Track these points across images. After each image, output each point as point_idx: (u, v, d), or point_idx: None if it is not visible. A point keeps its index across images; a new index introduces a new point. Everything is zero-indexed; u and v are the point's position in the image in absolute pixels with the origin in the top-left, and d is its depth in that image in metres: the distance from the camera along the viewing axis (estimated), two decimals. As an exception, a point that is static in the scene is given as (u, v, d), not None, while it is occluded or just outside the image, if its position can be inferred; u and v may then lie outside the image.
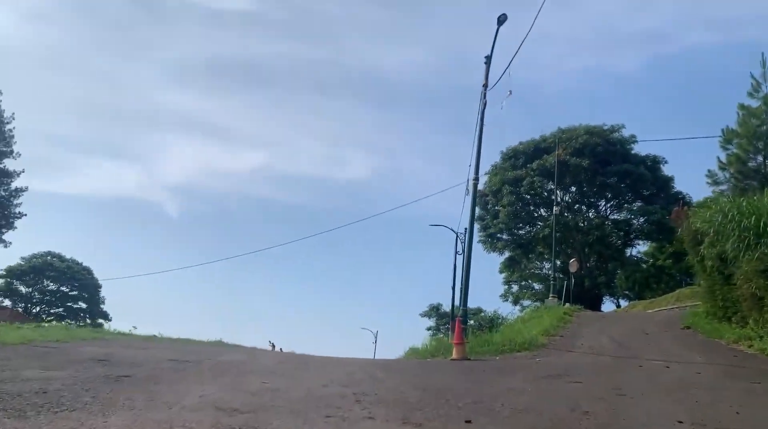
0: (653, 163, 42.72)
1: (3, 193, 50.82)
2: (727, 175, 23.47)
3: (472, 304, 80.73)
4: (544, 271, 49.92)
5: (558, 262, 45.61)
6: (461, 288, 13.73)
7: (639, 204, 40.16)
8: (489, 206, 46.92)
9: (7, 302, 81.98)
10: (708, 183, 24.56)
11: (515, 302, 51.02)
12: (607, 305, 47.48)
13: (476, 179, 16.81)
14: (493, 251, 47.00)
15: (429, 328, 73.19)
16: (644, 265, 41.80)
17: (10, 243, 51.48)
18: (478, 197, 48.15)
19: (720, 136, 23.71)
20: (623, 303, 45.86)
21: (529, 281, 50.59)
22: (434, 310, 73.64)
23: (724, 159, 23.72)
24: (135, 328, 22.92)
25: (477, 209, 51.17)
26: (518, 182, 42.93)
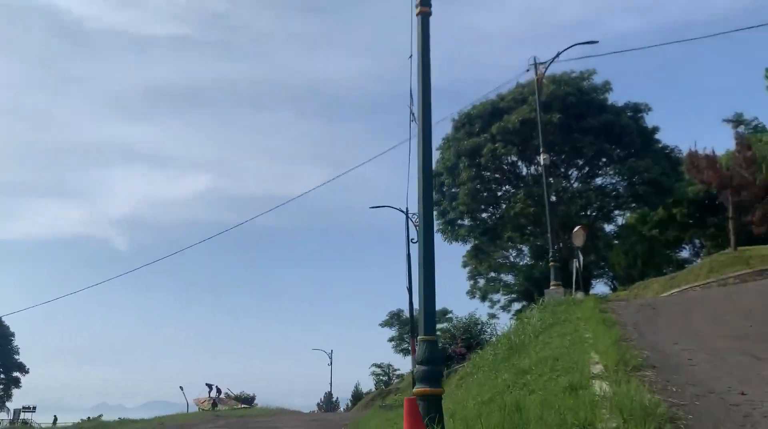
0: (635, 112, 35.47)
1: None
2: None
3: (436, 304, 72.47)
4: (511, 258, 42.33)
5: (537, 244, 38.09)
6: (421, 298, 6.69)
7: (632, 161, 32.61)
8: (445, 189, 39.00)
9: None
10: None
11: (483, 298, 43.55)
12: (599, 288, 40.17)
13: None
14: (456, 240, 39.09)
15: (391, 339, 64.79)
16: (645, 233, 34.32)
17: None
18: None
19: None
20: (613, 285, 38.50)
21: (498, 273, 43.02)
22: (395, 318, 65.18)
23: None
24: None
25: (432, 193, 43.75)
26: (476, 152, 35.06)
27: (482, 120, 35.91)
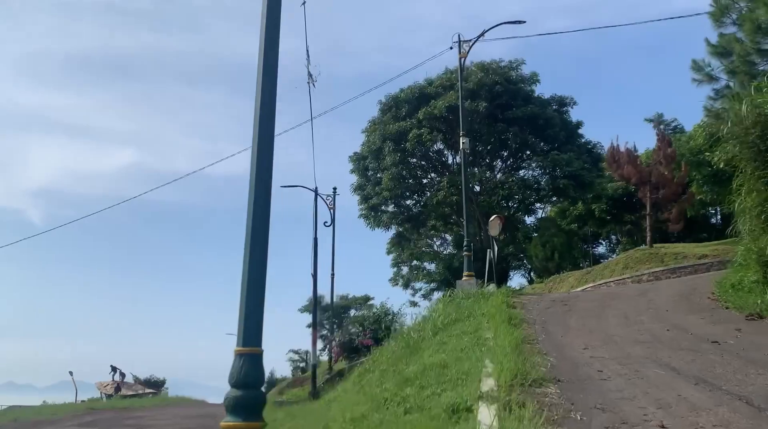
0: (560, 106, 35.16)
1: None
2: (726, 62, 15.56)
3: (358, 290, 71.27)
4: (435, 247, 41.64)
5: (460, 233, 37.41)
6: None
7: (555, 154, 32.11)
8: (370, 173, 37.69)
9: None
10: (696, 81, 16.53)
11: (406, 286, 42.86)
12: (516, 280, 40.00)
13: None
14: (378, 227, 37.87)
15: (309, 325, 63.30)
16: (563, 227, 34.11)
17: None
18: (355, 162, 38.78)
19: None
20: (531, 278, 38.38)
21: (420, 261, 42.24)
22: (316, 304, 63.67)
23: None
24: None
25: (355, 177, 42.13)
26: (402, 137, 33.86)
27: (409, 104, 34.78)
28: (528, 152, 34.76)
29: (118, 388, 49.32)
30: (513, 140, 33.36)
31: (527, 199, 34.70)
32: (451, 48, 20.88)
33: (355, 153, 38.08)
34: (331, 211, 23.13)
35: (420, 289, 42.48)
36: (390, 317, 26.13)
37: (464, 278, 16.10)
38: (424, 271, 41.14)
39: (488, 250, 17.42)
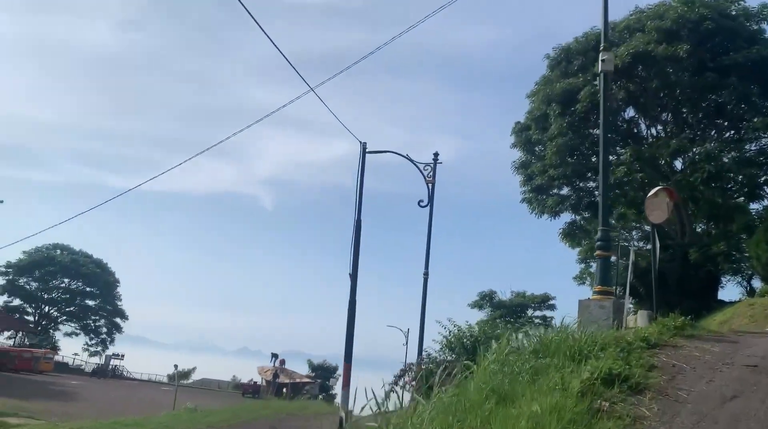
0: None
1: None
2: None
3: (536, 287, 62.26)
4: (623, 241, 33.24)
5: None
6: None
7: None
8: (534, 146, 30.70)
9: (15, 301, 73.08)
10: None
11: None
12: (730, 292, 30.38)
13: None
14: (543, 214, 30.80)
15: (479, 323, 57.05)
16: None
17: None
18: (517, 134, 31.60)
19: None
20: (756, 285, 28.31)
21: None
22: (486, 300, 57.43)
23: None
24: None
25: (518, 152, 34.79)
26: (572, 98, 26.49)
27: (584, 56, 27.19)
28: (751, 114, 25.22)
29: (276, 375, 48.83)
30: (728, 96, 24.24)
31: (751, 178, 25.31)
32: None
33: (517, 123, 31.28)
34: (430, 185, 16.90)
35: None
36: (472, 340, 19.05)
37: (594, 297, 9.35)
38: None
39: (630, 249, 10.35)
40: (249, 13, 9.56)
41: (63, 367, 63.34)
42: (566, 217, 32.02)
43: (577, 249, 33.83)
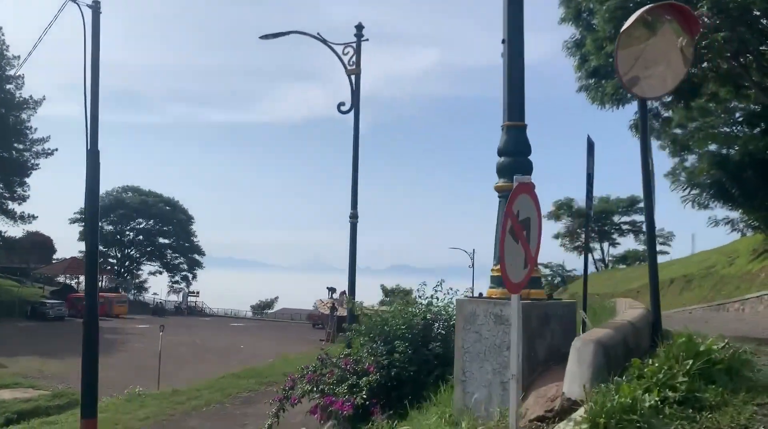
0: None
1: None
2: None
3: (621, 190, 54.16)
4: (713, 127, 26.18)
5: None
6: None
7: None
8: (589, 18, 23.81)
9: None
10: None
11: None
12: None
13: None
14: (604, 103, 24.28)
15: (557, 236, 51.01)
16: None
17: None
18: (566, 4, 25.02)
19: None
20: None
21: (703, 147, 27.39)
22: (564, 209, 51.23)
23: None
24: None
25: (570, 29, 27.74)
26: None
27: None
28: None
29: (334, 308, 46.23)
30: None
31: None
32: None
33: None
34: (352, 77, 11.06)
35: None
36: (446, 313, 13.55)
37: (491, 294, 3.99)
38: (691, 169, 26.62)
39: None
40: None
41: (143, 308, 63.99)
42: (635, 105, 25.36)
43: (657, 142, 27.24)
